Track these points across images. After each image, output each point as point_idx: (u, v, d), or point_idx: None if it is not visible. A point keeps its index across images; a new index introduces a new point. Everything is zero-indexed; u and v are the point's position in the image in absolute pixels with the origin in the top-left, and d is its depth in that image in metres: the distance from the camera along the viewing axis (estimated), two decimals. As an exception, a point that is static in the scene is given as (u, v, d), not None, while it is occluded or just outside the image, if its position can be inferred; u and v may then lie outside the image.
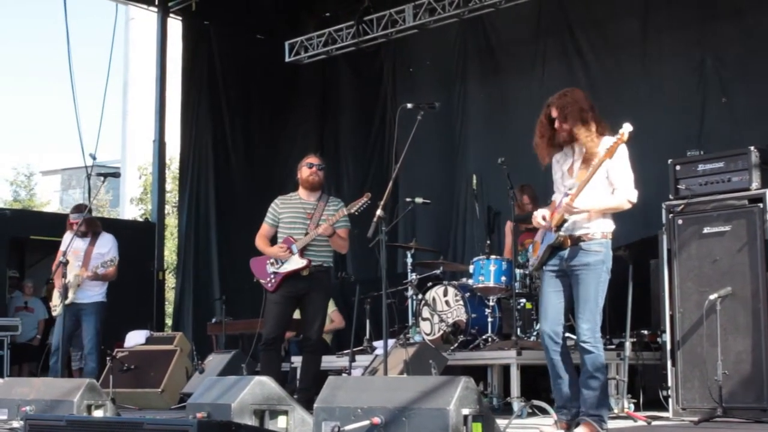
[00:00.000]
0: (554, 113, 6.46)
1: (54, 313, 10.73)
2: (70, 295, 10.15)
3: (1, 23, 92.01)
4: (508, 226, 10.54)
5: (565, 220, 6.33)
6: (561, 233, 6.38)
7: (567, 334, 6.70)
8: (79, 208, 10.89)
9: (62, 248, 10.47)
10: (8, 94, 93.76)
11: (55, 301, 10.54)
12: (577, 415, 6.34)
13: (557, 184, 6.63)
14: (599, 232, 6.39)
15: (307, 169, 8.92)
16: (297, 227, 8.77)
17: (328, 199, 8.94)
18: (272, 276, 8.73)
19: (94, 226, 10.68)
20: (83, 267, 10.32)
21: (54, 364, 10.21)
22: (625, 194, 6.36)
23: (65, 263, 9.76)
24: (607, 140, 6.32)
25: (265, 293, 8.85)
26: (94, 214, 11.72)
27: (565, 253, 6.41)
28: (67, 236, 10.54)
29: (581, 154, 6.40)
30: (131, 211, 35.82)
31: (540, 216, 6.53)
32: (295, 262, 8.65)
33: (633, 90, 11.79)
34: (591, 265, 6.35)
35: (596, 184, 6.31)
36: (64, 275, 9.75)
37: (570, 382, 6.45)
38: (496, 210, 10.96)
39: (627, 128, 6.15)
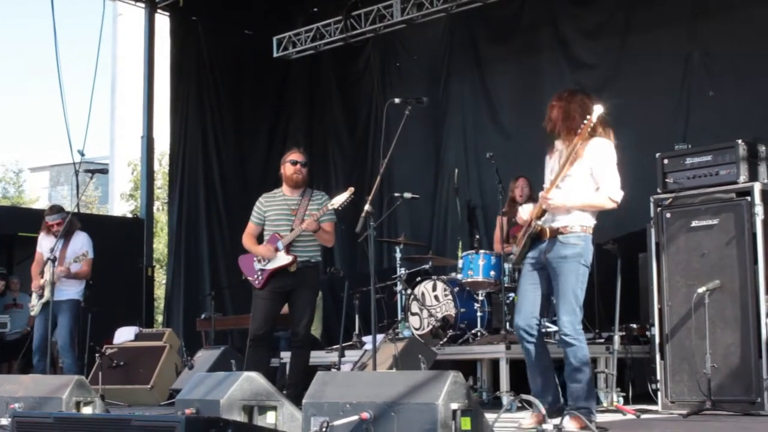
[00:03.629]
0: (554, 108, 6.55)
1: (32, 313, 10.73)
2: (46, 293, 10.16)
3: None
4: (499, 220, 10.54)
5: (544, 211, 6.39)
6: (538, 222, 6.42)
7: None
8: (54, 209, 10.85)
9: (38, 249, 10.53)
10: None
11: (34, 301, 10.54)
12: (553, 406, 6.38)
13: (546, 180, 6.68)
14: (578, 225, 6.43)
15: (291, 166, 8.85)
16: (282, 224, 8.74)
17: (312, 194, 8.87)
18: (259, 273, 8.71)
19: (71, 225, 10.57)
20: (58, 265, 10.29)
21: (38, 363, 10.20)
22: (608, 193, 6.41)
23: (54, 260, 9.77)
24: (597, 140, 6.40)
25: (253, 290, 8.85)
26: (82, 210, 11.70)
27: (544, 245, 6.47)
28: (42, 237, 10.58)
29: (569, 151, 6.45)
30: (122, 206, 35.80)
31: (523, 211, 6.61)
32: (282, 259, 8.63)
33: (619, 84, 11.80)
34: (568, 257, 6.39)
35: (579, 181, 6.37)
36: (52, 273, 9.76)
37: (544, 371, 6.50)
38: (473, 204, 10.97)
39: (597, 110, 6.22)
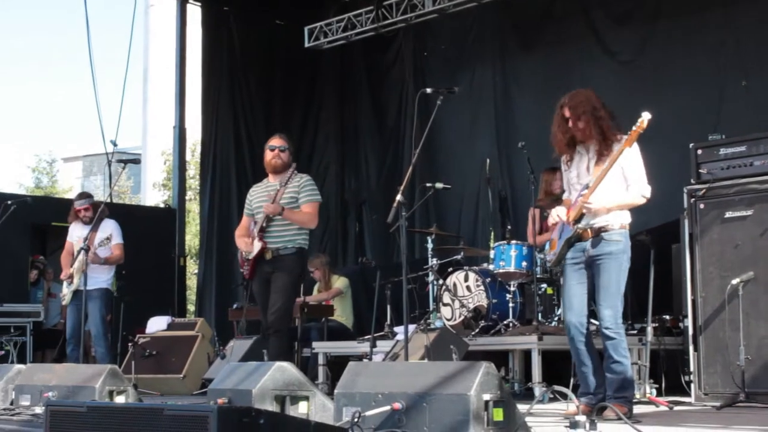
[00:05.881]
0: (567, 113, 6.51)
1: (63, 302, 10.78)
2: (75, 281, 10.21)
3: (22, 12, 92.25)
4: (531, 212, 10.49)
5: (582, 215, 6.40)
6: (579, 226, 6.45)
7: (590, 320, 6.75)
8: (82, 195, 10.89)
9: (69, 239, 10.58)
10: (31, 81, 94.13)
11: (64, 290, 10.59)
12: (602, 400, 6.40)
13: (573, 184, 6.69)
14: (618, 223, 6.51)
15: (269, 152, 8.69)
16: (261, 211, 8.61)
17: (292, 178, 8.63)
18: (246, 263, 8.63)
19: (100, 213, 10.56)
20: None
21: (71, 352, 10.25)
22: (639, 190, 6.48)
23: (86, 249, 9.81)
24: (621, 136, 6.41)
25: (250, 282, 8.77)
26: (115, 200, 11.75)
27: (587, 244, 6.52)
28: (72, 226, 10.63)
29: (596, 152, 6.49)
30: (155, 196, 35.93)
31: (556, 214, 6.60)
32: (255, 246, 8.50)
33: (651, 73, 11.73)
34: (613, 253, 6.47)
35: (612, 180, 6.41)
36: (83, 261, 9.82)
37: (594, 369, 6.55)
38: (504, 194, 10.92)
39: (646, 116, 6.18)
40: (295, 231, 8.56)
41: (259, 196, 8.76)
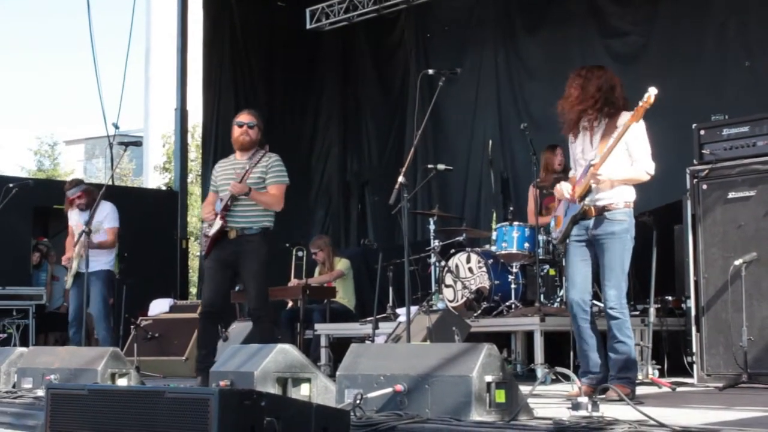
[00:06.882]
0: (573, 85, 6.51)
1: (66, 286, 10.77)
2: (74, 265, 10.19)
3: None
4: (531, 191, 10.49)
5: (588, 191, 6.38)
6: (585, 203, 6.43)
7: (593, 301, 6.75)
8: (73, 183, 10.85)
9: (70, 223, 10.57)
10: (32, 64, 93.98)
11: (68, 274, 10.58)
12: (603, 380, 6.40)
13: (577, 160, 6.69)
14: (622, 201, 6.50)
15: (237, 128, 8.39)
16: (227, 189, 8.30)
17: (261, 157, 8.35)
18: (204, 240, 8.39)
19: (93, 196, 10.50)
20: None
21: (74, 335, 10.24)
22: (644, 166, 6.46)
23: (88, 233, 9.78)
24: (626, 114, 6.42)
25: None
26: (117, 183, 11.73)
27: (590, 222, 6.50)
28: (71, 213, 10.62)
29: (600, 128, 6.49)
30: (156, 179, 35.92)
31: (561, 189, 6.58)
32: (216, 224, 8.22)
33: (654, 53, 11.69)
34: (617, 233, 6.45)
35: (617, 156, 6.38)
36: (83, 245, 9.80)
37: (596, 348, 6.54)
38: (506, 176, 10.90)
39: (652, 91, 6.16)
40: (260, 211, 8.28)
41: (225, 173, 8.46)
